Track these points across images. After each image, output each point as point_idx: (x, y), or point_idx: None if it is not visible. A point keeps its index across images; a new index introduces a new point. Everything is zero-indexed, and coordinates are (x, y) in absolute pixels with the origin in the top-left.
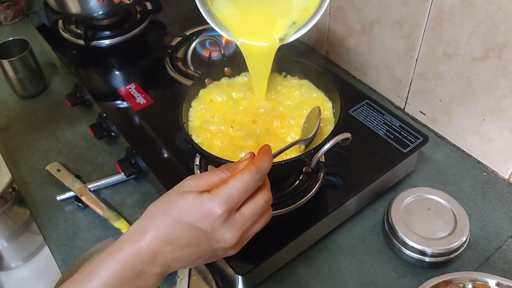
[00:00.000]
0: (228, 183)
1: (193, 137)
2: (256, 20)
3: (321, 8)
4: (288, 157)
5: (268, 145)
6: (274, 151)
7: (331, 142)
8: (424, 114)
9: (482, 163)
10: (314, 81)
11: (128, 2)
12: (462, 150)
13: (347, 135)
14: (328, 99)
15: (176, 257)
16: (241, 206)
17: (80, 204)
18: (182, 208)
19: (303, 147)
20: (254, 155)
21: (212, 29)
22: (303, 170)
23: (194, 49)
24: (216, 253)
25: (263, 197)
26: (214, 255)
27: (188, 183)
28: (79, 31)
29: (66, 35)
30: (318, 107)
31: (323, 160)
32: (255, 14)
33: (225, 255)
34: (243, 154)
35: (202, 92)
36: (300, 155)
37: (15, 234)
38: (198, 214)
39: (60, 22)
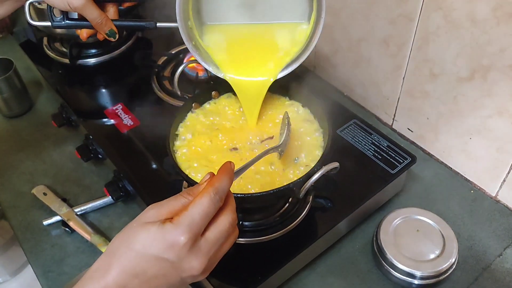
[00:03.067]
0: (188, 210)
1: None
2: (246, 55)
3: (309, 47)
4: (263, 168)
5: (230, 162)
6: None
7: (320, 172)
8: (412, 131)
9: (469, 180)
10: (303, 102)
11: (113, 40)
12: (449, 167)
13: (335, 164)
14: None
15: None
16: (205, 230)
17: (67, 229)
18: (145, 240)
19: (278, 155)
20: (214, 174)
21: None
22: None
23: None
24: (185, 281)
25: (227, 218)
26: (183, 283)
27: (150, 212)
28: (64, 50)
29: (51, 54)
30: (286, 112)
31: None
32: (245, 50)
33: (194, 281)
34: None
35: (189, 116)
36: (288, 184)
37: (2, 249)
38: (162, 245)
39: (45, 39)
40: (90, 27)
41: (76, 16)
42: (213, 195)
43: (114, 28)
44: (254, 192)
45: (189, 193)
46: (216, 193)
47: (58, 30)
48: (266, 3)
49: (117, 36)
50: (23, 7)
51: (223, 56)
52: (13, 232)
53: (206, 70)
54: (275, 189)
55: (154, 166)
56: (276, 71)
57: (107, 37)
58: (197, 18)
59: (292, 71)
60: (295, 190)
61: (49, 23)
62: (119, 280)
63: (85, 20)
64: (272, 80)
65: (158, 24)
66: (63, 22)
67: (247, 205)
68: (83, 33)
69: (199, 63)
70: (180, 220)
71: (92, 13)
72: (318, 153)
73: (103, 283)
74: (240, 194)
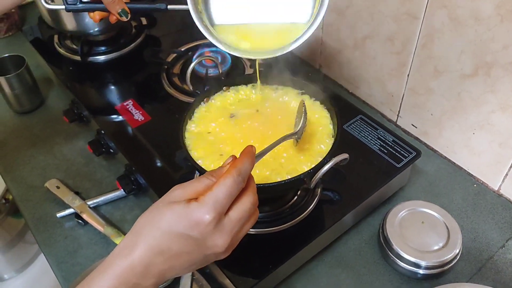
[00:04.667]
0: (213, 190)
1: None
2: (258, 30)
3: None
4: (285, 154)
5: (252, 145)
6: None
7: (330, 163)
8: (416, 127)
9: (472, 175)
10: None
11: (126, 19)
12: (453, 162)
13: (345, 155)
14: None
15: (168, 267)
16: (228, 210)
17: (80, 221)
18: (171, 219)
19: (295, 141)
20: (236, 158)
21: (206, 45)
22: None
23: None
24: (208, 259)
25: (249, 199)
26: (206, 261)
27: (175, 193)
28: (74, 47)
29: (61, 51)
30: (302, 100)
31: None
32: (255, 28)
33: (216, 259)
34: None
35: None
36: (300, 175)
37: (8, 245)
38: (188, 223)
39: (56, 37)
40: (103, 9)
41: None
42: (236, 176)
43: (126, 8)
44: (267, 182)
45: (213, 174)
46: (239, 174)
47: (69, 27)
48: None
49: (129, 16)
50: (30, 3)
51: (235, 35)
52: (19, 229)
53: (216, 66)
54: (286, 179)
55: (165, 159)
56: (288, 41)
57: (119, 17)
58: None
59: (297, 70)
60: (306, 181)
61: (63, 6)
62: (145, 257)
63: (98, 2)
64: (285, 50)
65: (169, 7)
66: (77, 5)
67: (260, 196)
68: (96, 16)
69: (210, 58)
70: (205, 200)
71: None
72: (329, 142)
73: (129, 260)
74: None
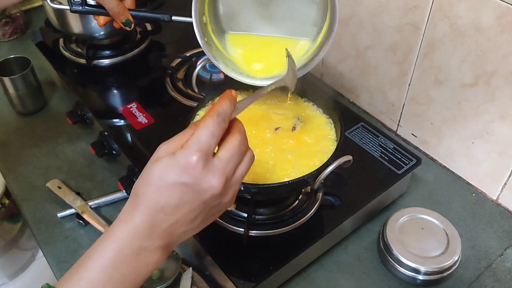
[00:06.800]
0: (195, 134)
1: None
2: (260, 57)
3: (316, 57)
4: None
5: (231, 90)
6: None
7: (334, 164)
8: (416, 137)
9: (471, 184)
10: (314, 100)
11: (129, 29)
12: (452, 171)
13: (349, 157)
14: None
15: (172, 223)
16: (217, 152)
17: (81, 221)
18: (160, 172)
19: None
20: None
21: None
22: (303, 190)
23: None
24: (210, 205)
25: (235, 138)
26: (210, 209)
27: (161, 149)
28: (79, 50)
29: (67, 54)
30: (286, 48)
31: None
32: (259, 53)
33: (222, 208)
34: None
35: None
36: (303, 176)
37: (2, 250)
38: (177, 170)
39: (61, 40)
40: (107, 14)
41: (94, 3)
42: (216, 116)
43: (130, 18)
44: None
45: (195, 124)
46: (218, 115)
47: (75, 30)
48: (279, 19)
49: (132, 26)
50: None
51: (239, 56)
52: (13, 234)
53: (220, 71)
54: (290, 180)
55: None
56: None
57: (123, 26)
58: (215, 22)
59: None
60: (310, 182)
61: (67, 7)
62: (146, 218)
63: (103, 7)
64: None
65: (173, 18)
66: (81, 8)
67: (263, 197)
68: (100, 20)
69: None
70: (188, 144)
71: (110, 3)
72: (332, 148)
73: (130, 224)
74: (257, 184)
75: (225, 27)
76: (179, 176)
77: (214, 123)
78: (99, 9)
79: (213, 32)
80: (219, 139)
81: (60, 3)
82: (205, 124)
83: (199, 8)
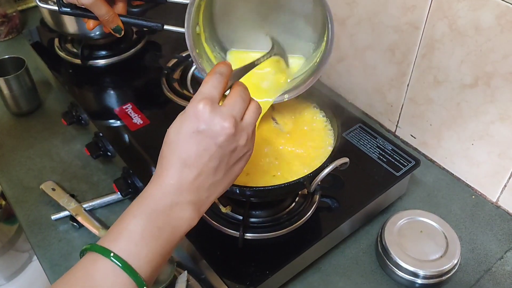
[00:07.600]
0: (197, 91)
1: None
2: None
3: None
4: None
5: (226, 62)
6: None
7: (331, 166)
8: (415, 138)
9: (471, 186)
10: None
11: (119, 36)
12: (451, 173)
13: (345, 159)
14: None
15: (197, 174)
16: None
17: (75, 224)
18: (175, 129)
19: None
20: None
21: None
22: (299, 192)
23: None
24: (227, 149)
25: (237, 87)
26: (230, 156)
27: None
28: (75, 50)
29: (62, 54)
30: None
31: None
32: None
33: (241, 155)
34: None
35: None
36: (299, 178)
37: None
38: (187, 121)
39: (56, 40)
40: (97, 18)
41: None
42: (213, 74)
43: (121, 25)
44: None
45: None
46: (215, 72)
47: (70, 30)
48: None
49: (122, 33)
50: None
51: None
52: (10, 236)
53: None
54: (286, 183)
55: None
56: (275, 95)
57: (112, 32)
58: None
59: None
60: (306, 184)
61: (56, 7)
62: (172, 174)
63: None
64: (271, 101)
65: (165, 27)
66: (70, 10)
67: (259, 199)
68: (90, 24)
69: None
70: (193, 98)
71: (100, 10)
72: (329, 149)
73: (160, 183)
74: (253, 187)
75: (224, 44)
76: (191, 125)
77: (213, 77)
78: (89, 12)
79: (205, 41)
80: (220, 91)
81: (53, 3)
82: (205, 80)
83: (193, 19)
